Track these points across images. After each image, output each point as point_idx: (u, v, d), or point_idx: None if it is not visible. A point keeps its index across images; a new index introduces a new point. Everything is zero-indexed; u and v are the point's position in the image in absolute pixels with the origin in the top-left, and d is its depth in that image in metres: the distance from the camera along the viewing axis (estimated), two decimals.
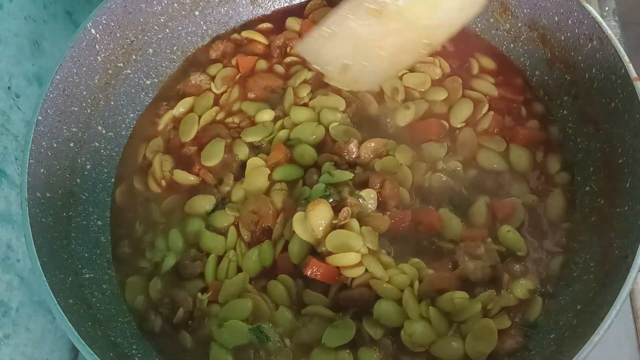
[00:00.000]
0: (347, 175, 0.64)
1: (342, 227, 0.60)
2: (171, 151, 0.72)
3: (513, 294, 0.60)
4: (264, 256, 0.63)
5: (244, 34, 0.79)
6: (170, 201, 0.68)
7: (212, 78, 0.76)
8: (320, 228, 0.60)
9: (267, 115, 0.71)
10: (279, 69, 0.76)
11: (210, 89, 0.75)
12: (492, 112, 0.70)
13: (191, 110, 0.74)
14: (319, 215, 0.60)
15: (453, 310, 0.58)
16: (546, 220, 0.64)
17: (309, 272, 0.59)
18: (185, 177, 0.69)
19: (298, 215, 0.61)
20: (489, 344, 0.56)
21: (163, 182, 0.70)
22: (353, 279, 0.59)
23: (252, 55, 0.77)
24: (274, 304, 0.61)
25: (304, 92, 0.72)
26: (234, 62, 0.76)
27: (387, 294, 0.59)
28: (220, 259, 0.64)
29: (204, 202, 0.67)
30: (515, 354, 0.57)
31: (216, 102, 0.74)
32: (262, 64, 0.76)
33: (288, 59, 0.76)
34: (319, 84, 0.73)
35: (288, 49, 0.77)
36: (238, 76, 0.76)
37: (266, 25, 0.80)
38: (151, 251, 0.66)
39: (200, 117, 0.73)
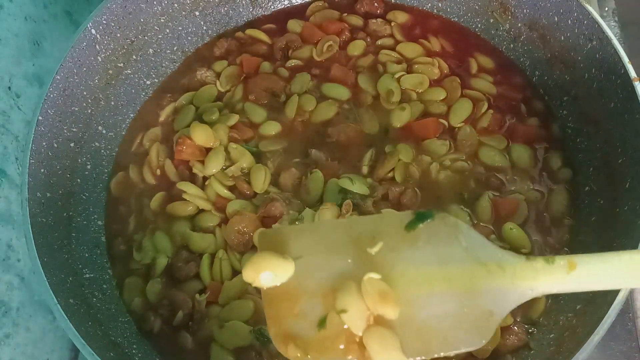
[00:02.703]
0: (364, 190, 0.64)
1: None
2: (167, 142, 0.72)
3: None
4: None
5: (248, 32, 0.79)
6: (158, 198, 0.68)
7: (218, 75, 0.76)
8: None
9: (273, 128, 0.71)
10: (283, 72, 0.75)
11: (214, 85, 0.75)
12: (491, 111, 0.70)
13: (192, 103, 0.74)
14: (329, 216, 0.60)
15: None
16: (549, 217, 0.64)
17: None
18: (172, 170, 0.69)
19: None
20: (492, 341, 0.56)
21: (158, 172, 0.70)
22: None
23: (255, 56, 0.77)
24: None
25: (309, 105, 0.71)
26: (238, 61, 0.76)
27: None
28: (213, 258, 0.64)
29: (185, 206, 0.66)
30: (518, 351, 0.57)
31: (219, 98, 0.74)
32: (266, 66, 0.76)
33: (290, 62, 0.76)
34: (323, 96, 0.72)
35: (290, 52, 0.77)
36: (243, 76, 0.76)
37: (269, 26, 0.80)
38: (139, 252, 0.66)
39: (198, 108, 0.73)
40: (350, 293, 0.38)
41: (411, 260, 0.41)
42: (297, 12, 0.80)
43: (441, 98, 0.71)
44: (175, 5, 0.75)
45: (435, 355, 0.39)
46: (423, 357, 0.39)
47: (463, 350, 0.40)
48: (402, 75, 0.72)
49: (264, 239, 0.43)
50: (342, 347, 0.38)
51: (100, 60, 0.69)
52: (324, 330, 0.38)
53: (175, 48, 0.77)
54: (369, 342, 0.38)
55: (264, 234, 0.43)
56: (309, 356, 0.38)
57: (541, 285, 0.40)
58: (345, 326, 0.38)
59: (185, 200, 0.66)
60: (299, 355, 0.38)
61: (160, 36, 0.75)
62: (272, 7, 0.81)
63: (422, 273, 0.41)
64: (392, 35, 0.77)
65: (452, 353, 0.40)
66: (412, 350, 0.38)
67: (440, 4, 0.79)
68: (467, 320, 0.40)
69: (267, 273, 0.39)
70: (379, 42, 0.77)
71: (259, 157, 0.69)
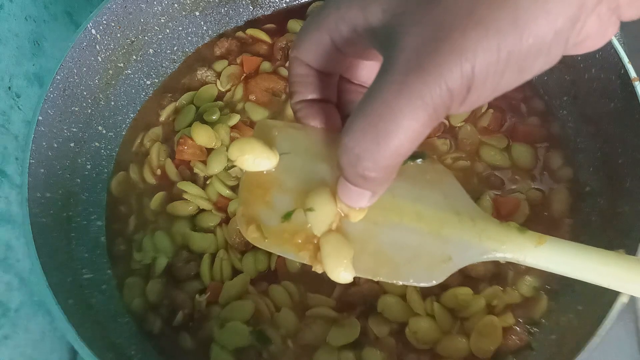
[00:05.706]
0: None
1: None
2: (168, 141, 0.72)
3: (518, 291, 0.60)
4: (260, 260, 0.63)
5: (249, 31, 0.79)
6: (159, 198, 0.68)
7: (218, 75, 0.76)
8: None
9: None
10: (283, 71, 0.75)
11: (215, 84, 0.75)
12: (491, 110, 0.70)
13: (192, 102, 0.74)
14: None
15: (457, 307, 0.58)
16: (550, 216, 0.64)
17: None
18: (172, 170, 0.69)
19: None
20: (493, 341, 0.56)
21: (159, 171, 0.70)
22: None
23: (255, 56, 0.77)
24: (275, 307, 0.61)
25: None
26: (238, 60, 0.76)
27: (393, 289, 0.59)
28: (214, 257, 0.64)
29: (186, 206, 0.66)
30: (520, 352, 0.57)
31: (220, 98, 0.74)
32: (266, 66, 0.76)
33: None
34: None
35: (290, 52, 0.77)
36: (243, 76, 0.76)
37: (269, 26, 0.80)
38: (139, 252, 0.66)
39: (198, 108, 0.73)
40: (322, 195, 0.39)
41: (390, 188, 0.40)
42: (297, 12, 0.80)
43: None
44: (176, 5, 0.75)
45: (381, 279, 0.40)
46: (369, 277, 0.40)
47: (411, 282, 0.40)
48: None
49: (259, 128, 0.43)
50: (299, 241, 0.39)
51: (100, 60, 0.69)
52: (287, 223, 0.39)
53: (175, 48, 0.77)
54: (325, 244, 0.38)
55: (261, 124, 0.43)
56: (266, 240, 0.39)
57: (506, 251, 0.40)
58: (308, 226, 0.39)
59: (185, 200, 0.66)
60: (257, 236, 0.39)
61: (160, 36, 0.75)
62: (272, 7, 0.81)
63: (396, 203, 0.41)
64: None
65: (399, 282, 0.40)
66: (361, 268, 0.39)
67: None
68: (424, 258, 0.40)
69: (249, 156, 0.40)
70: None
71: None
